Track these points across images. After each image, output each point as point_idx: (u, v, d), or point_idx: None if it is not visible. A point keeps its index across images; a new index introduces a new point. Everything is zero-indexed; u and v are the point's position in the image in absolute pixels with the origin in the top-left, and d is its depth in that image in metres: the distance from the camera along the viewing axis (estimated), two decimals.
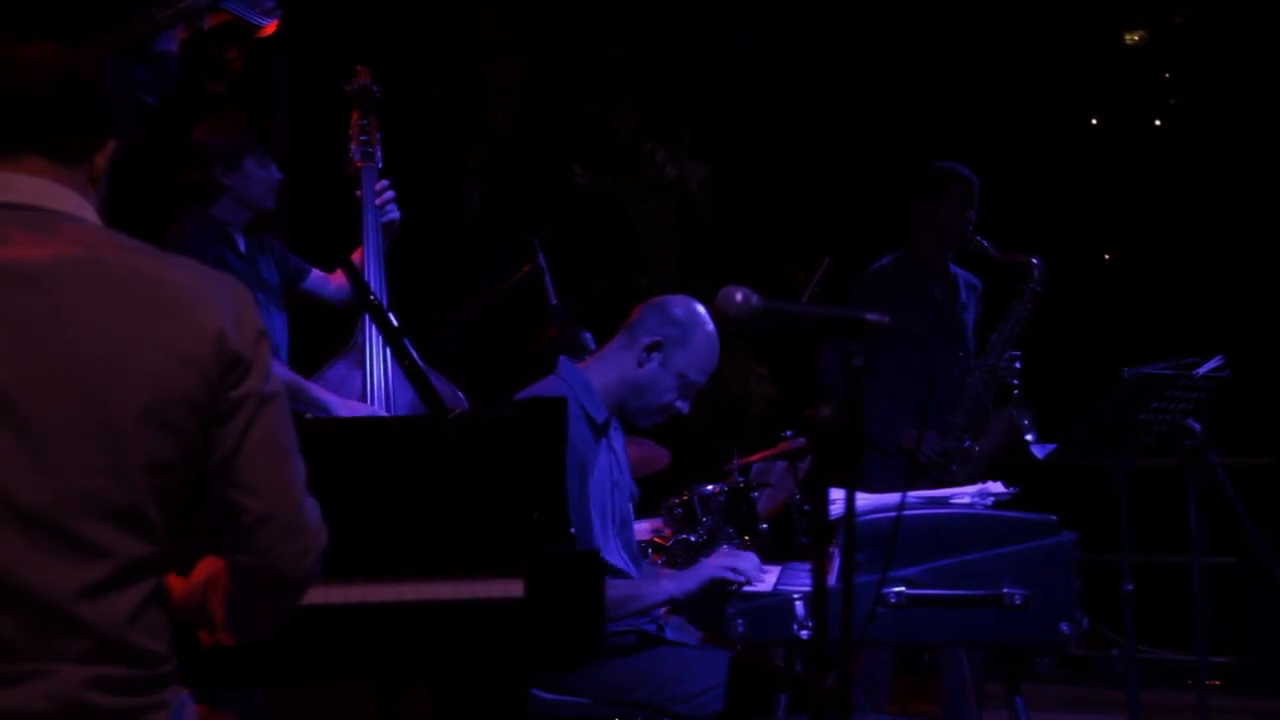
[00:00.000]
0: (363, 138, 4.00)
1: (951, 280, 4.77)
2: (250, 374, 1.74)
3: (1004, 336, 4.63)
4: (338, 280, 4.15)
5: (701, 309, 3.31)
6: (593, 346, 4.65)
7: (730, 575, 3.08)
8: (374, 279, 3.90)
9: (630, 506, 3.46)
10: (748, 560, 3.16)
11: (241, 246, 3.97)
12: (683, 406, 3.34)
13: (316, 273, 4.17)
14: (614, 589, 3.10)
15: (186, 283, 1.73)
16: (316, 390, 3.78)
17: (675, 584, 3.15)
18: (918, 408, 4.47)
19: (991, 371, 4.60)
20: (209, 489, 1.74)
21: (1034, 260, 4.64)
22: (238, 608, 1.84)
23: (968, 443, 4.56)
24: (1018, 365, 4.60)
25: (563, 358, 3.37)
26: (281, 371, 3.76)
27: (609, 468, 3.32)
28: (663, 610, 3.37)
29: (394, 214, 4.02)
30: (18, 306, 1.65)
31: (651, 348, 3.26)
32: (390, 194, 4.02)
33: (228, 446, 1.72)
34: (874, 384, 4.40)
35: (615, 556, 3.28)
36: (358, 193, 3.99)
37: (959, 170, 4.72)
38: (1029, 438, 4.49)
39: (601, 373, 3.31)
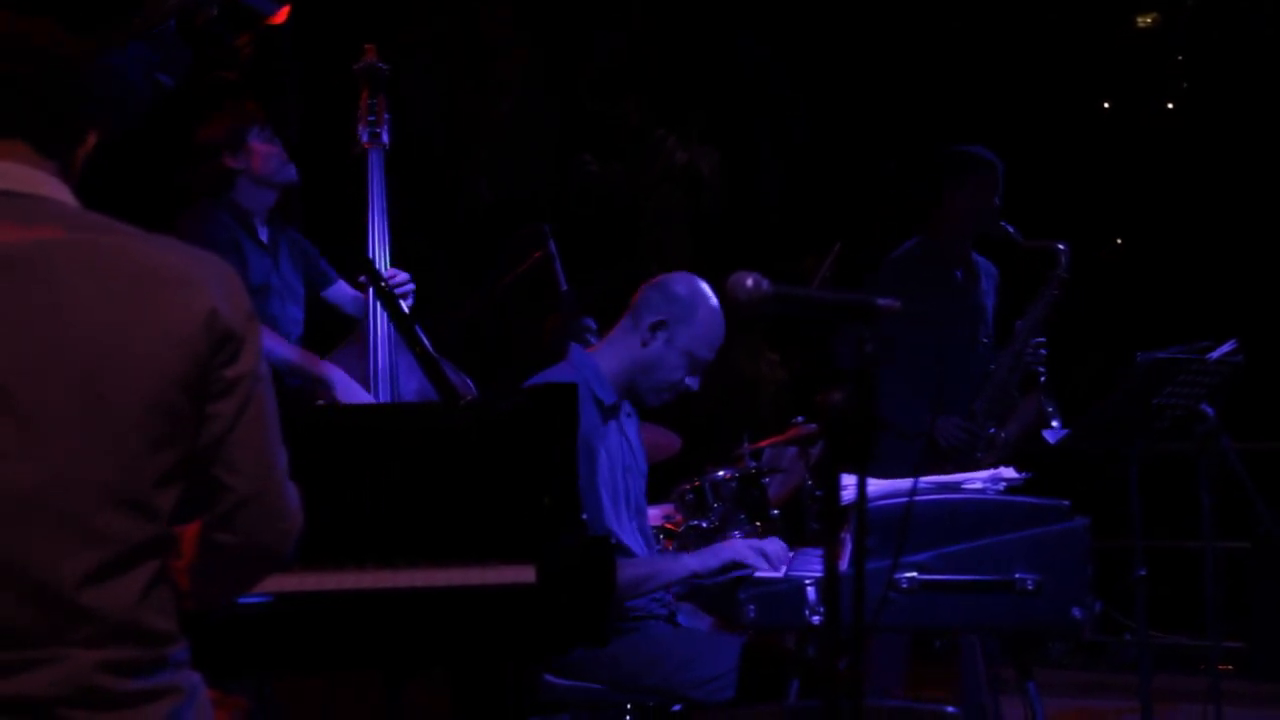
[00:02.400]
0: (370, 118, 3.99)
1: (973, 267, 4.72)
2: (243, 352, 1.74)
3: (1030, 323, 4.56)
4: (364, 298, 4.14)
5: (704, 285, 3.30)
6: (594, 327, 4.65)
7: (754, 560, 3.08)
8: (380, 262, 3.90)
9: (644, 493, 3.46)
10: (774, 545, 3.16)
11: (263, 235, 3.97)
12: (692, 383, 3.33)
13: (343, 284, 4.16)
14: (633, 567, 3.11)
15: (175, 263, 1.73)
16: (326, 368, 3.78)
17: (697, 560, 3.15)
18: (936, 392, 4.45)
19: (1016, 358, 4.54)
20: (196, 467, 1.74)
21: (1060, 247, 4.55)
22: (207, 580, 1.83)
23: (992, 429, 4.53)
24: (1043, 353, 4.55)
25: (574, 345, 3.37)
26: (287, 350, 3.77)
27: (620, 450, 3.32)
28: (673, 595, 3.37)
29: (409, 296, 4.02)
30: (8, 294, 1.65)
31: (655, 326, 3.25)
32: (409, 285, 4.01)
33: (221, 426, 1.73)
34: (895, 368, 4.40)
35: (630, 538, 3.28)
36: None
37: (984, 155, 4.64)
38: (1055, 424, 4.45)
39: (609, 357, 3.32)
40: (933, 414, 4.49)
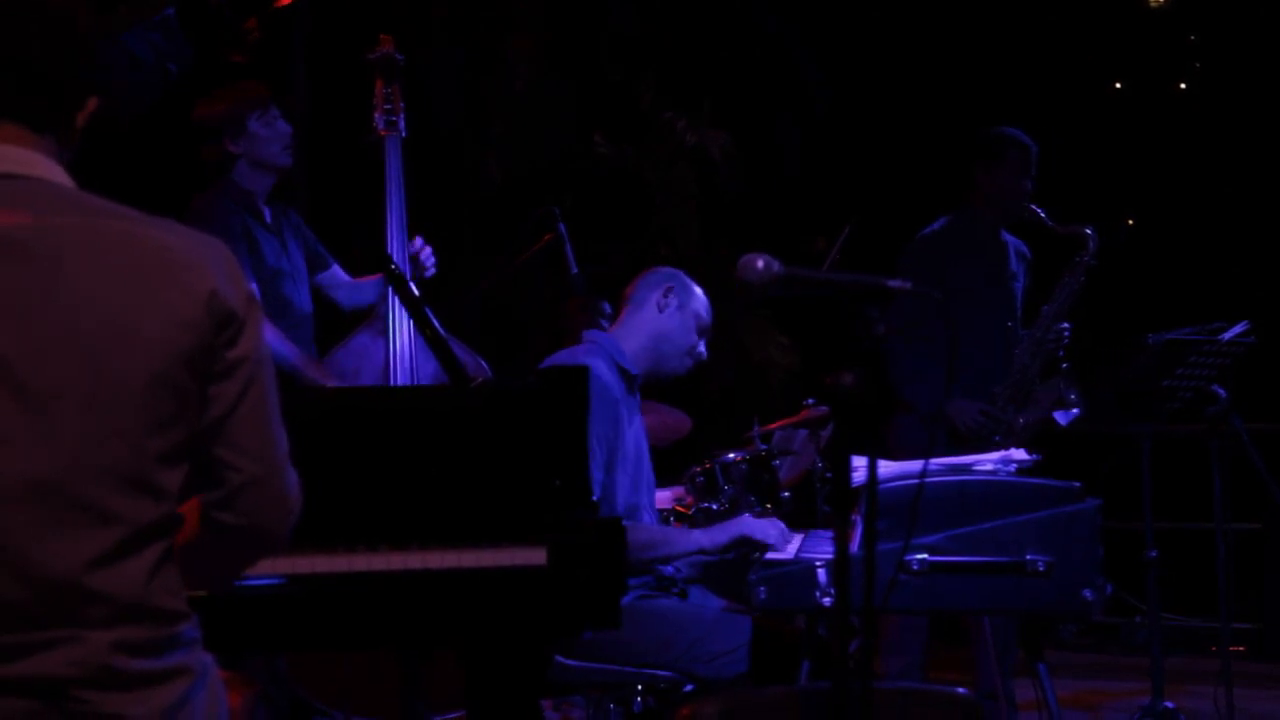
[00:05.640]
0: (386, 106, 3.99)
1: (1002, 248, 4.67)
2: (244, 334, 1.74)
3: (1055, 308, 4.51)
4: (356, 283, 4.15)
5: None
6: (609, 310, 4.66)
7: (759, 536, 3.12)
8: (396, 249, 3.91)
9: (653, 473, 3.49)
10: (774, 526, 3.20)
11: (267, 216, 3.98)
12: (702, 350, 3.51)
13: (337, 270, 4.17)
14: (643, 531, 3.16)
15: (176, 244, 1.72)
16: (325, 375, 3.80)
17: (705, 536, 3.20)
18: (962, 375, 4.43)
19: (1039, 343, 4.50)
20: (198, 447, 1.74)
21: (1089, 231, 4.51)
22: (205, 560, 1.82)
23: (1012, 414, 4.49)
24: (1066, 338, 4.50)
25: (586, 332, 3.42)
26: (289, 352, 3.78)
27: (639, 428, 3.37)
28: (684, 578, 3.38)
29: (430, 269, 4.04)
30: (11, 277, 1.64)
31: (667, 292, 3.44)
32: (429, 254, 4.02)
33: (223, 407, 1.73)
34: (918, 349, 4.37)
35: (648, 513, 3.33)
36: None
37: (1017, 137, 4.61)
38: (1075, 412, 4.41)
39: (627, 337, 3.43)
40: (945, 395, 4.47)
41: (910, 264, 4.54)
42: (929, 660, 4.61)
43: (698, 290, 3.52)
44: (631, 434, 3.30)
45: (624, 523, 3.06)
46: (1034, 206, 4.55)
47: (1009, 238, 4.71)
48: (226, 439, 1.74)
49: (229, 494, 1.76)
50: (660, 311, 3.44)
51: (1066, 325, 4.53)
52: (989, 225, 4.64)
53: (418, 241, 4.01)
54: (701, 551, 3.20)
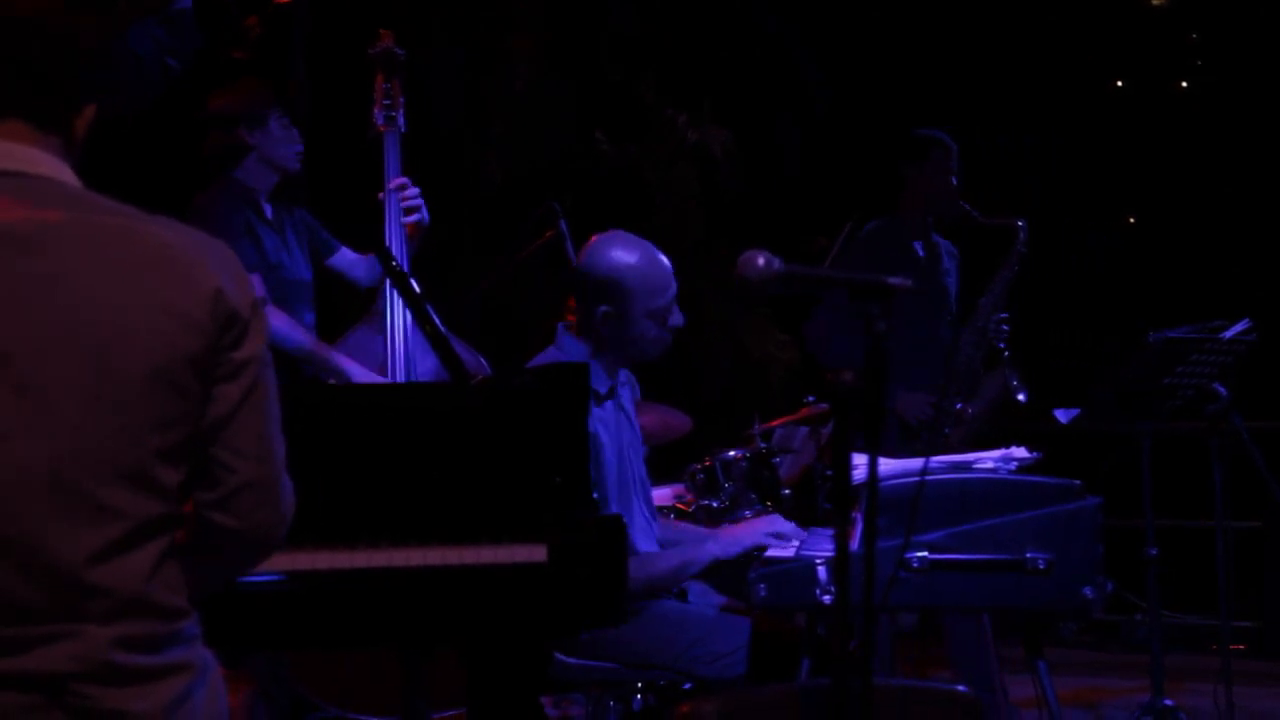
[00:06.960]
0: (386, 102, 3.99)
1: (935, 247, 4.82)
2: (250, 336, 1.74)
3: (992, 299, 4.64)
4: (368, 260, 4.15)
5: (621, 245, 3.22)
6: None
7: (774, 544, 3.11)
8: (396, 245, 3.90)
9: (645, 466, 3.46)
10: (786, 526, 3.19)
11: (269, 214, 3.98)
12: (676, 320, 3.26)
13: (346, 251, 4.16)
14: (666, 560, 3.14)
15: (179, 243, 1.72)
16: (338, 358, 3.79)
17: (719, 547, 3.16)
18: (905, 371, 4.50)
19: (980, 334, 4.62)
20: (198, 447, 1.74)
21: (1019, 223, 4.65)
22: (198, 563, 1.79)
23: (959, 405, 4.57)
24: (1005, 328, 4.60)
25: (561, 327, 3.34)
26: (302, 336, 3.78)
27: (622, 429, 3.30)
28: None
29: (423, 216, 3.99)
30: (12, 272, 1.65)
31: (605, 319, 3.19)
32: (418, 200, 3.98)
33: (225, 408, 1.73)
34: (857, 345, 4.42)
35: (642, 537, 3.27)
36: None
37: (939, 137, 4.76)
38: (1020, 397, 4.51)
39: (588, 343, 3.25)
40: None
41: (845, 267, 4.62)
42: (919, 657, 4.63)
43: (639, 283, 3.16)
44: (614, 452, 3.20)
45: (642, 555, 3.06)
46: (963, 203, 4.68)
47: (938, 238, 4.85)
48: (225, 440, 1.73)
49: (224, 495, 1.75)
50: (604, 334, 3.19)
51: (1005, 315, 4.64)
52: (921, 224, 4.79)
53: (410, 190, 3.96)
54: (716, 561, 3.18)
